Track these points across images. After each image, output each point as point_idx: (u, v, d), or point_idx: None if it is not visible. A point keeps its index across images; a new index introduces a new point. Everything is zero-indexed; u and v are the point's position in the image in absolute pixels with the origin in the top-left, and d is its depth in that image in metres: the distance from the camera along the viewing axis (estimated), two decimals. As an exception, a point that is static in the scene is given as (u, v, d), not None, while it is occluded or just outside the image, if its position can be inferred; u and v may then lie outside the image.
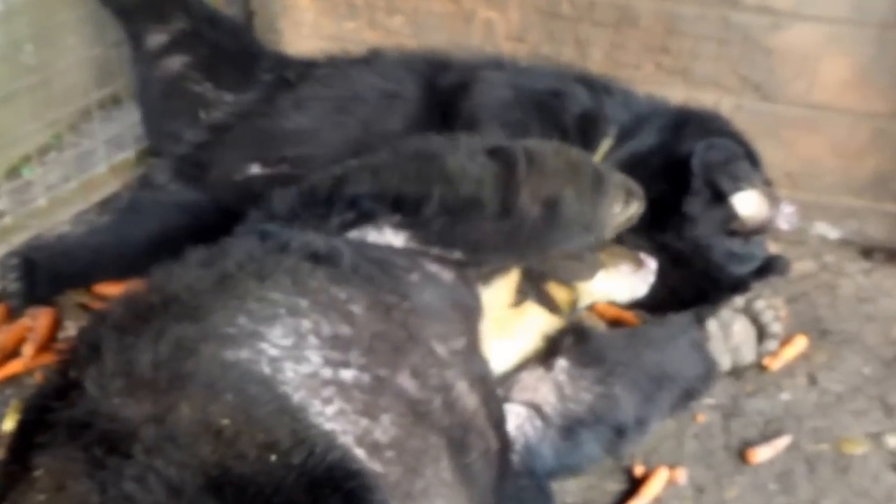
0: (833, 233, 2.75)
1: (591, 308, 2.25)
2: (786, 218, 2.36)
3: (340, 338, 1.45)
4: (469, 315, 1.73)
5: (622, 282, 2.13)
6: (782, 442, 2.06)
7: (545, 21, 2.80)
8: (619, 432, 1.97)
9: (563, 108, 2.39)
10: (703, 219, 2.35)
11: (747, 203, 2.33)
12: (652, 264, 2.13)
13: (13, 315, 2.34)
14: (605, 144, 2.41)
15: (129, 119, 2.89)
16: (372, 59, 2.65)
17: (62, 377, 1.39)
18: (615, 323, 2.32)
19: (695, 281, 2.36)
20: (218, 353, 1.33)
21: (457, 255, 1.75)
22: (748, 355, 2.19)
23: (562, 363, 1.94)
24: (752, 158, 2.47)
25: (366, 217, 1.73)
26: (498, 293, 1.89)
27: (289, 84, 2.62)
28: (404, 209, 1.73)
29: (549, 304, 1.94)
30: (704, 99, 2.70)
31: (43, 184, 2.73)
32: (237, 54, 2.73)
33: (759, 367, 2.25)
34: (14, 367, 2.23)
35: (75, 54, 2.88)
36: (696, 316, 2.15)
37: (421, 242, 1.75)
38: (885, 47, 2.50)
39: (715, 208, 2.34)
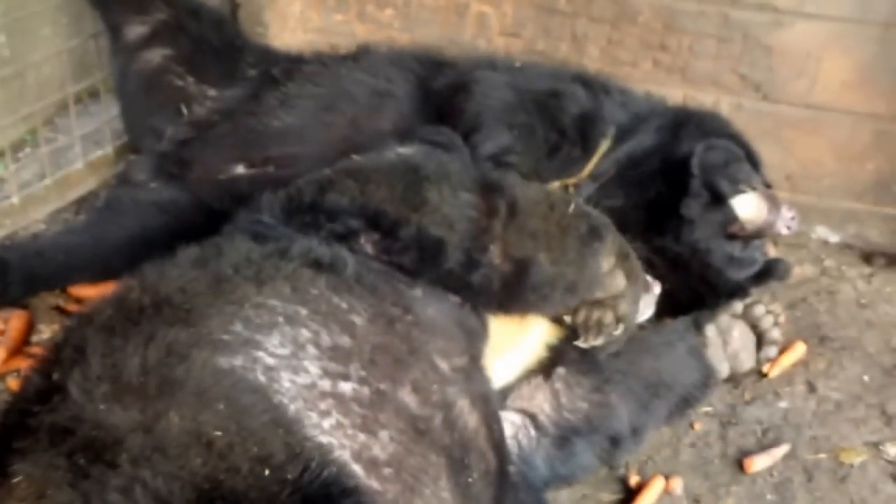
0: (833, 237, 2.81)
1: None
2: (786, 221, 2.41)
3: (340, 349, 1.46)
4: (472, 334, 1.74)
5: None
6: (780, 451, 2.11)
7: (541, 16, 2.84)
8: (614, 441, 2.01)
9: (562, 109, 2.43)
10: (701, 222, 2.39)
11: (747, 206, 2.38)
12: (657, 287, 2.16)
13: (-16, 317, 2.35)
14: (604, 145, 2.45)
15: (108, 114, 2.90)
16: (361, 56, 2.67)
17: (44, 379, 1.39)
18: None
19: (693, 285, 2.40)
20: (210, 359, 1.34)
21: (417, 290, 1.72)
22: (747, 362, 2.24)
23: (560, 371, 1.98)
24: (753, 160, 2.52)
25: (349, 233, 1.73)
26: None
27: (275, 81, 2.63)
28: (382, 227, 1.73)
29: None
30: (703, 98, 2.76)
31: (16, 181, 2.74)
32: (221, 48, 2.73)
33: (758, 375, 2.31)
34: (-15, 371, 2.24)
35: (51, 45, 2.89)
36: (694, 322, 2.20)
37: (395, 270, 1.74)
38: (887, 47, 2.56)
39: (714, 211, 2.38)
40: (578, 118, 2.46)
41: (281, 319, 1.46)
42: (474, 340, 1.74)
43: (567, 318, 1.93)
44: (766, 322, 2.22)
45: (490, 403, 1.69)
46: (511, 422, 1.93)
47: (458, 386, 1.61)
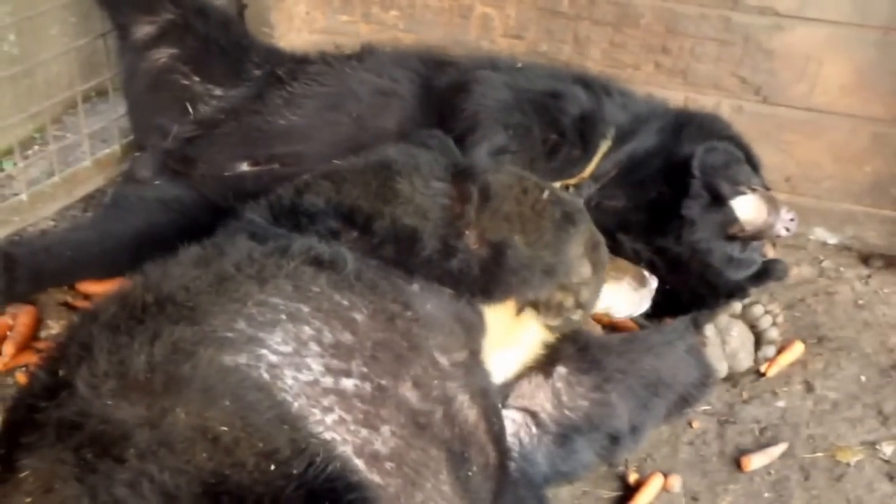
0: (832, 238, 2.82)
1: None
2: (785, 223, 2.42)
3: (342, 346, 1.47)
4: (471, 328, 1.75)
5: (624, 298, 2.17)
6: (777, 449, 2.12)
7: (543, 18, 2.84)
8: (614, 439, 2.03)
9: (562, 110, 2.43)
10: (701, 222, 2.40)
11: (746, 207, 2.39)
12: (654, 282, 2.16)
13: (-8, 312, 2.36)
14: (604, 146, 2.46)
15: (115, 112, 2.91)
16: (366, 56, 2.68)
17: (51, 376, 1.40)
18: (612, 328, 2.37)
19: (692, 285, 2.42)
20: (216, 357, 1.35)
21: (415, 286, 1.74)
22: (745, 361, 2.25)
23: (560, 370, 1.99)
24: (752, 162, 2.53)
25: (331, 233, 1.74)
26: (499, 306, 1.90)
27: (280, 80, 2.64)
28: (357, 223, 1.74)
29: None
30: (704, 100, 2.76)
31: (25, 178, 2.75)
32: (227, 48, 2.74)
33: (756, 374, 2.32)
34: (-6, 365, 2.25)
35: (59, 44, 2.91)
36: (693, 321, 2.20)
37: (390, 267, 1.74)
38: (887, 51, 2.57)
39: (714, 212, 2.40)
40: (578, 119, 2.47)
41: (283, 317, 1.47)
42: (473, 334, 1.75)
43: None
44: (765, 322, 2.23)
45: (489, 398, 1.70)
46: (512, 419, 1.94)
47: (457, 381, 1.62)
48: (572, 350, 2.00)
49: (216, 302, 1.46)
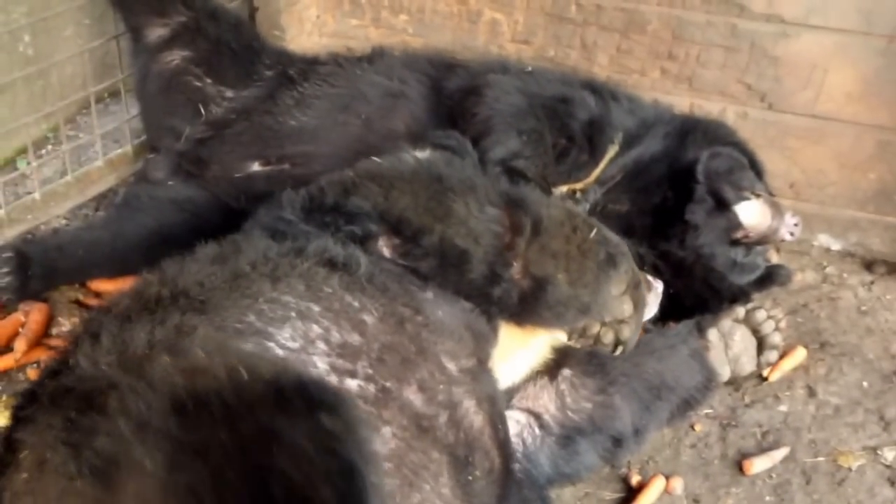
0: (835, 244, 2.82)
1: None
2: (788, 228, 2.43)
3: (349, 346, 1.48)
4: (480, 337, 1.76)
5: None
6: (779, 453, 2.13)
7: (551, 24, 2.86)
8: (617, 441, 2.04)
9: (571, 115, 2.45)
10: (706, 227, 2.41)
11: (751, 212, 2.40)
12: (659, 287, 2.18)
13: (5, 310, 2.39)
14: (611, 151, 2.48)
15: (128, 113, 2.93)
16: (376, 58, 2.70)
17: (58, 362, 1.41)
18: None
19: (697, 290, 2.42)
20: (217, 336, 1.35)
21: (429, 293, 1.74)
22: (748, 366, 2.26)
23: (566, 372, 2.00)
24: (757, 168, 2.54)
25: (367, 236, 1.75)
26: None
27: (291, 81, 2.67)
28: (404, 234, 1.75)
29: None
30: (710, 107, 2.77)
31: (38, 177, 2.78)
32: (239, 50, 2.76)
33: (758, 378, 2.33)
34: (6, 362, 2.28)
35: (73, 46, 2.94)
36: (697, 326, 2.22)
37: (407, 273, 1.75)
38: (892, 59, 2.57)
39: (718, 217, 2.41)
40: (587, 124, 2.48)
41: (293, 314, 1.48)
42: (482, 343, 1.76)
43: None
44: (767, 327, 2.24)
45: (496, 404, 1.71)
46: (516, 420, 1.96)
47: (464, 386, 1.63)
48: (579, 353, 2.01)
49: (228, 297, 1.47)
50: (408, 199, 1.78)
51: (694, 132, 2.54)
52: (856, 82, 2.63)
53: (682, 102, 2.77)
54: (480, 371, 1.70)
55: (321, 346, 1.47)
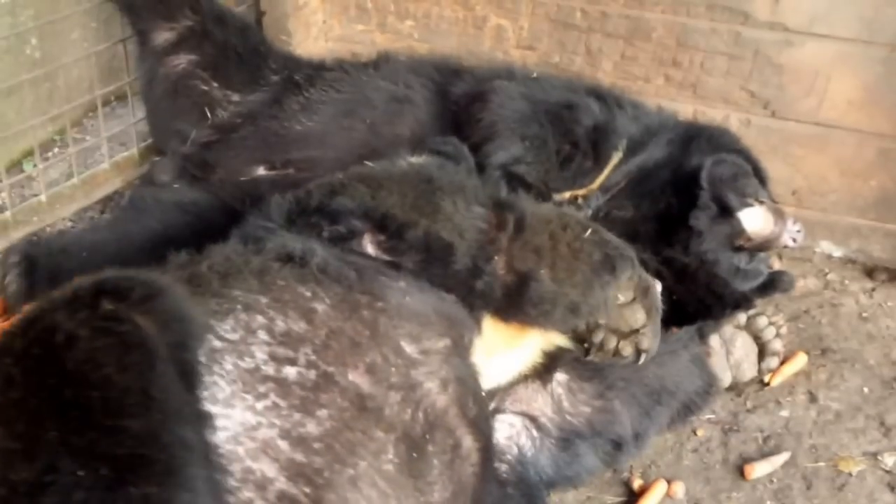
0: (837, 251, 2.86)
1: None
2: (791, 234, 2.46)
3: (293, 334, 1.54)
4: (453, 321, 1.80)
5: None
6: (780, 458, 2.17)
7: (556, 30, 2.90)
8: (617, 445, 2.08)
9: (576, 121, 2.48)
10: (709, 233, 2.45)
11: (754, 219, 2.44)
12: (658, 286, 2.21)
13: (11, 311, 2.40)
14: (615, 157, 2.51)
15: (134, 116, 2.98)
16: (381, 63, 2.74)
17: None
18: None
19: (699, 295, 2.45)
20: None
21: (401, 283, 1.79)
22: (749, 372, 2.30)
23: (560, 377, 2.04)
24: (760, 175, 2.58)
25: (351, 234, 1.80)
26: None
27: (297, 86, 2.70)
28: (388, 230, 1.80)
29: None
30: (713, 114, 2.81)
31: (45, 179, 2.82)
32: (245, 54, 2.79)
33: (760, 384, 2.37)
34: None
35: (80, 49, 2.98)
36: (698, 331, 2.25)
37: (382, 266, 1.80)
38: (893, 67, 2.61)
39: (721, 223, 2.44)
40: (591, 130, 2.51)
41: (239, 307, 1.54)
42: (457, 328, 1.80)
43: (582, 332, 1.98)
44: (768, 333, 2.28)
45: (468, 385, 1.75)
46: (510, 423, 1.99)
47: (426, 367, 1.67)
48: (570, 358, 2.04)
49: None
50: (395, 197, 1.84)
51: (698, 139, 2.58)
52: (857, 90, 2.67)
53: (685, 109, 2.81)
54: (451, 353, 1.74)
55: (262, 335, 1.52)
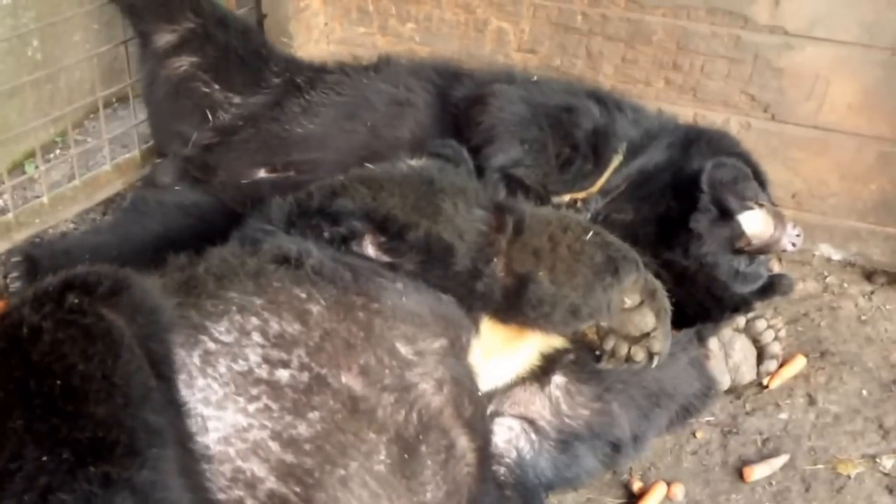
0: (836, 254, 2.88)
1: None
2: (791, 238, 2.49)
3: (287, 335, 1.57)
4: (450, 322, 1.83)
5: None
6: (779, 461, 2.20)
7: (557, 33, 2.92)
8: (616, 447, 2.10)
9: (576, 124, 2.50)
10: (709, 236, 2.47)
11: (754, 222, 2.46)
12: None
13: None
14: (615, 160, 2.54)
15: (135, 118, 3.00)
16: (382, 66, 2.76)
17: None
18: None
19: (699, 298, 2.47)
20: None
21: (398, 284, 1.81)
22: (747, 375, 2.33)
23: (558, 379, 2.06)
24: (760, 178, 2.60)
25: (351, 235, 1.82)
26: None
27: (298, 88, 2.72)
28: (389, 231, 1.82)
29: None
30: (713, 117, 2.84)
31: (46, 181, 2.85)
32: (246, 56, 2.82)
33: (759, 386, 2.39)
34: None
35: (82, 51, 3.00)
36: (697, 334, 2.27)
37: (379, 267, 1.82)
38: (893, 71, 2.64)
39: (721, 226, 2.46)
40: (591, 133, 2.53)
41: (234, 308, 1.57)
42: (453, 328, 1.82)
43: (593, 339, 2.00)
44: (767, 337, 2.31)
45: (464, 385, 1.77)
46: (508, 427, 2.02)
47: (421, 369, 1.70)
48: (568, 360, 2.06)
49: (175, 298, 1.57)
50: (396, 199, 1.86)
51: (698, 142, 2.60)
52: (857, 94, 2.69)
53: (686, 112, 2.83)
54: (446, 354, 1.77)
55: (256, 337, 1.55)
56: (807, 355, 2.48)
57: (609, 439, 2.08)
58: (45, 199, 2.80)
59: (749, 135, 2.79)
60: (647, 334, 1.96)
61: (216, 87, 2.80)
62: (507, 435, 2.01)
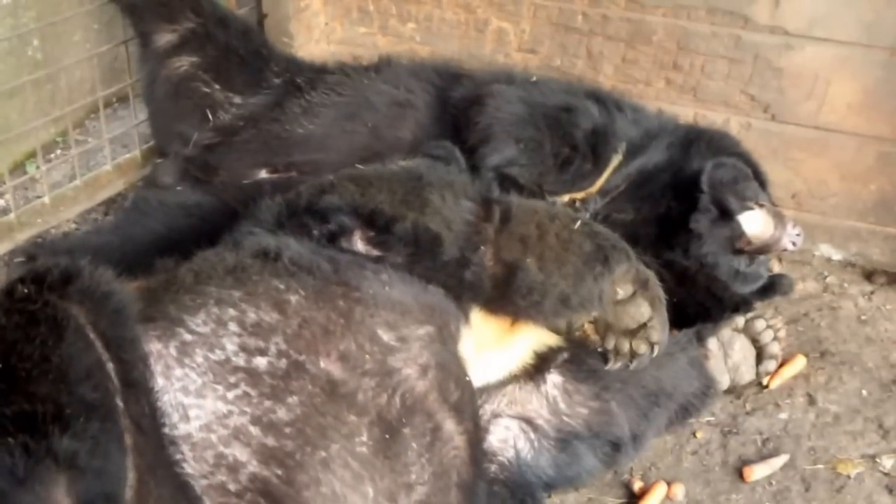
0: (836, 254, 2.89)
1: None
2: (791, 237, 2.50)
3: (264, 325, 1.61)
4: (435, 309, 1.84)
5: None
6: (779, 460, 2.21)
7: (558, 33, 2.94)
8: (616, 446, 2.11)
9: (575, 124, 2.51)
10: (709, 236, 2.48)
11: (754, 222, 2.47)
12: None
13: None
14: (615, 160, 2.54)
15: (136, 118, 3.01)
16: (383, 67, 2.77)
17: None
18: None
19: (699, 298, 2.48)
20: None
21: (383, 275, 1.83)
22: (747, 375, 2.34)
23: (555, 378, 2.07)
24: (760, 178, 2.62)
25: (340, 231, 1.85)
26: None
27: (299, 89, 2.73)
28: (377, 224, 1.85)
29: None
30: (714, 117, 2.85)
31: (47, 181, 2.86)
32: (247, 56, 2.83)
33: (759, 386, 2.40)
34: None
35: (82, 50, 3.02)
36: (696, 334, 2.29)
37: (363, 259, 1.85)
38: (893, 71, 2.65)
39: (721, 226, 2.48)
40: (591, 133, 2.55)
41: (211, 301, 1.61)
42: (440, 315, 1.84)
43: (594, 340, 2.02)
44: (766, 337, 2.32)
45: (448, 370, 1.79)
46: (505, 427, 2.03)
47: (403, 354, 1.72)
48: (562, 359, 2.07)
49: (155, 296, 1.62)
50: (384, 194, 1.89)
51: (698, 142, 2.62)
52: (857, 94, 2.70)
53: (686, 113, 2.84)
54: (432, 340, 1.78)
55: (233, 327, 1.59)
56: (807, 355, 2.49)
57: (608, 438, 2.09)
58: (46, 200, 2.82)
59: (749, 135, 2.80)
60: (644, 325, 1.98)
61: (217, 87, 2.81)
62: (504, 434, 2.02)
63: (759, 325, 2.31)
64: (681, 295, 2.42)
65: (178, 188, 2.74)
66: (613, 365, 2.00)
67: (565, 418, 2.05)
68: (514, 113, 2.50)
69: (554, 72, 2.91)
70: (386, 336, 1.72)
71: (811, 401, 2.38)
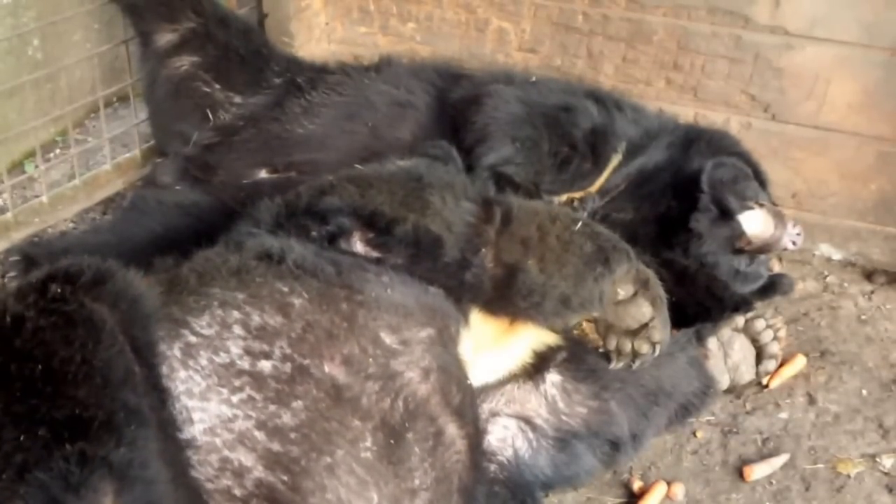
0: (836, 254, 2.90)
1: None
2: (791, 237, 2.50)
3: (269, 328, 1.60)
4: (436, 311, 1.84)
5: None
6: (779, 460, 2.21)
7: (558, 33, 2.94)
8: (615, 446, 2.11)
9: (574, 123, 2.52)
10: (709, 236, 2.49)
11: (754, 221, 2.48)
12: None
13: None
14: (614, 160, 2.55)
15: (136, 118, 3.02)
16: (383, 67, 2.78)
17: None
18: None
19: (699, 298, 2.49)
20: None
21: (384, 277, 1.83)
22: (746, 374, 2.34)
23: (554, 378, 2.08)
24: (760, 178, 2.62)
25: (340, 233, 1.85)
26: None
27: (299, 89, 2.74)
28: (377, 226, 1.85)
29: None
30: (714, 117, 2.86)
31: (46, 180, 2.87)
32: (247, 56, 2.83)
33: (759, 386, 2.41)
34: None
35: (82, 50, 3.02)
36: (696, 334, 2.29)
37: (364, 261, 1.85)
38: (893, 71, 2.66)
39: (722, 226, 2.49)
40: (590, 133, 2.55)
41: (215, 303, 1.60)
42: (441, 317, 1.84)
43: (597, 341, 2.03)
44: (766, 336, 2.32)
45: (450, 373, 1.79)
46: (504, 426, 2.03)
47: (406, 357, 1.72)
48: (561, 358, 2.08)
49: (160, 298, 1.61)
50: (384, 195, 1.89)
51: (698, 142, 2.62)
52: (858, 94, 2.71)
53: (686, 112, 2.85)
54: (434, 343, 1.78)
55: (237, 330, 1.59)
56: (807, 355, 2.50)
57: (608, 438, 2.09)
58: (44, 199, 2.82)
59: (749, 135, 2.80)
60: (646, 325, 1.99)
61: (217, 86, 2.82)
62: (503, 434, 2.02)
63: (759, 324, 2.32)
64: (680, 294, 2.42)
65: (177, 188, 2.74)
66: (616, 365, 2.01)
67: (564, 417, 2.06)
68: (511, 112, 2.51)
69: (554, 71, 2.92)
70: (388, 339, 1.72)
71: (811, 400, 2.39)
